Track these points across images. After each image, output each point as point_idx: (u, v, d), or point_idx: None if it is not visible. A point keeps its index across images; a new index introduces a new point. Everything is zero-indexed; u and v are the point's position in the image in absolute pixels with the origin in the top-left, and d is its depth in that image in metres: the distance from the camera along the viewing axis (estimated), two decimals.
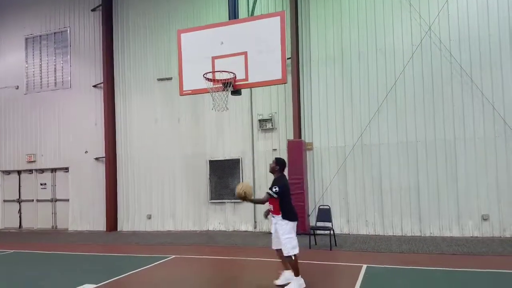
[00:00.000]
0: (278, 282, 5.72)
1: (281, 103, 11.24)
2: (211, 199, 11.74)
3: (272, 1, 11.36)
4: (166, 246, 9.65)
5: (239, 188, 5.41)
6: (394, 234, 10.00)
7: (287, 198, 5.56)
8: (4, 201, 14.65)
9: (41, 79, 14.14)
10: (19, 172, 14.47)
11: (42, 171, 14.12)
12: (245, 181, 6.36)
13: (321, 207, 9.46)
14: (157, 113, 12.47)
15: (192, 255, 8.44)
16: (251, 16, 9.30)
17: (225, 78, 7.38)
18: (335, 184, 10.60)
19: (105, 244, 10.50)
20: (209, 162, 11.79)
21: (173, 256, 8.30)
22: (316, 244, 8.90)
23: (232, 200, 11.47)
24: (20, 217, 14.39)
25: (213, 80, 7.50)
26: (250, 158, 11.44)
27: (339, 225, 10.43)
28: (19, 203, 14.45)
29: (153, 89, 12.52)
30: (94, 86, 13.16)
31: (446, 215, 9.63)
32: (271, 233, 5.81)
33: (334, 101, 10.78)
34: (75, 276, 7.18)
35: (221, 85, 7.45)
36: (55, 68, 13.94)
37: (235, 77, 7.36)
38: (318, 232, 9.37)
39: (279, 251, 5.59)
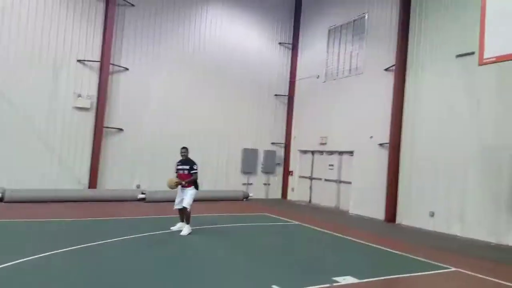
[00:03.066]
0: (174, 228, 8.38)
1: None
2: None
3: None
4: (448, 254, 8.00)
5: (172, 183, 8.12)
6: None
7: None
8: (300, 177, 16.72)
9: (337, 67, 15.03)
10: (312, 152, 16.08)
11: (331, 153, 15.11)
12: (170, 179, 8.25)
13: None
14: (452, 96, 10.59)
15: (480, 273, 6.51)
16: None
17: None
18: None
19: (381, 235, 9.86)
20: None
21: (454, 269, 6.71)
22: None
23: None
24: (310, 193, 16.06)
25: None
26: None
27: None
28: (311, 180, 16.12)
29: (450, 68, 10.69)
30: (386, 69, 12.69)
31: None
32: None
33: None
34: (343, 262, 7.00)
35: None
36: (350, 55, 14.47)
37: None
38: None
39: (180, 210, 8.30)
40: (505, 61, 5.95)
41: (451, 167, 10.44)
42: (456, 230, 10.18)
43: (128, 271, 5.55)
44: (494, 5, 6.08)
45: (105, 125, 13.40)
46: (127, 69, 13.97)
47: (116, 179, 13.69)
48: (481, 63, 6.12)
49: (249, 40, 16.58)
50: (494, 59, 5.97)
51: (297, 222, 10.82)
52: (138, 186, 13.98)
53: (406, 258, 7.42)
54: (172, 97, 14.87)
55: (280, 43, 17.24)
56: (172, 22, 14.92)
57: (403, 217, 11.68)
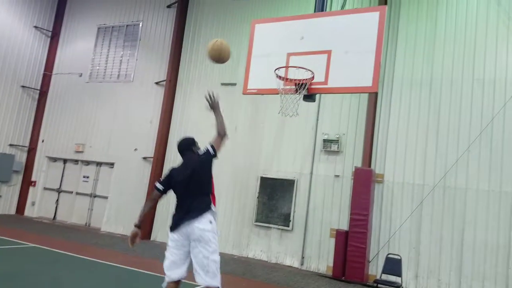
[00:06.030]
0: None
1: (351, 124, 9.82)
2: (256, 221, 10.41)
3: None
4: None
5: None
6: None
7: None
8: (44, 188, 14.29)
9: (105, 69, 13.89)
10: (64, 161, 14.13)
11: (87, 163, 13.65)
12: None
13: (390, 256, 7.80)
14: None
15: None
16: (342, 9, 8.17)
17: (300, 78, 6.21)
18: (406, 229, 8.87)
19: (130, 253, 9.17)
20: (260, 179, 10.53)
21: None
22: None
23: (280, 227, 10.07)
24: (56, 208, 13.89)
25: (285, 79, 6.37)
26: (307, 181, 10.03)
27: (405, 279, 8.60)
28: (58, 193, 14.00)
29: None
30: (156, 83, 12.60)
31: None
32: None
33: (416, 131, 9.21)
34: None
35: (293, 86, 6.29)
36: (120, 61, 13.63)
37: (313, 78, 6.16)
38: (383, 286, 7.73)
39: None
40: (263, 94, 6.82)
41: None
42: None
43: None
44: (257, 48, 6.92)
45: None
46: None
47: None
48: (245, 93, 6.81)
49: None
50: (255, 91, 6.72)
51: (32, 244, 8.89)
52: None
53: (151, 277, 7.03)
54: None
55: (36, 27, 14.58)
56: None
57: (158, 234, 11.63)
